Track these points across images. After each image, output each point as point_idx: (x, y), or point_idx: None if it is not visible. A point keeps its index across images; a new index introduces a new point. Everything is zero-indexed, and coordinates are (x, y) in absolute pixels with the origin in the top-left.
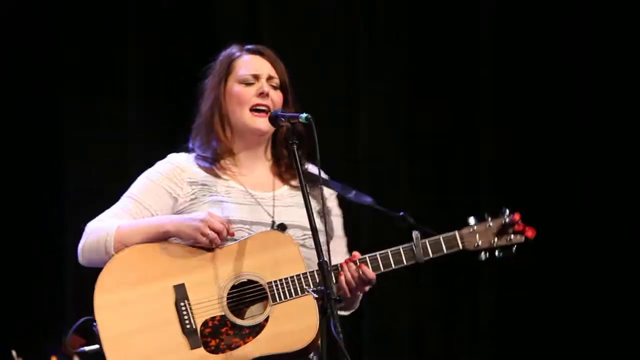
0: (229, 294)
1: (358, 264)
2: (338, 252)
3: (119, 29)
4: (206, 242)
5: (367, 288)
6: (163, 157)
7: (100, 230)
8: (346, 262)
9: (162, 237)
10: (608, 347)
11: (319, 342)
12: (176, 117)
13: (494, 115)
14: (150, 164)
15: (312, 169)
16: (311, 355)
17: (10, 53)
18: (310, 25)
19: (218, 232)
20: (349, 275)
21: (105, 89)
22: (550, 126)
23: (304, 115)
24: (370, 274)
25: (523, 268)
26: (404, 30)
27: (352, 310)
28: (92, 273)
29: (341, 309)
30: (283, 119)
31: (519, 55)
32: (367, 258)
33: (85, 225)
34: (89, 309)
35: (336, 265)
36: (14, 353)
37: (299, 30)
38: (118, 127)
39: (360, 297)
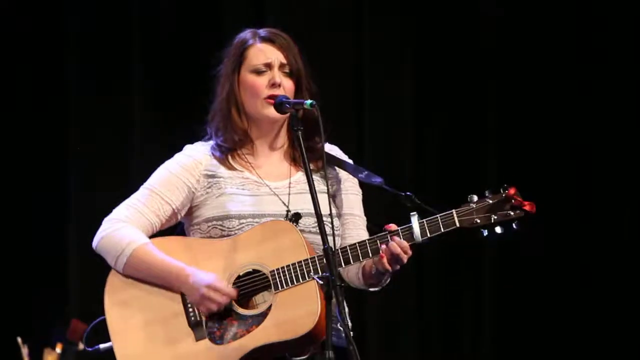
0: (233, 284)
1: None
2: (356, 231)
3: (121, 28)
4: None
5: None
6: (171, 151)
7: (121, 238)
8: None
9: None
10: (611, 343)
11: (325, 327)
12: (182, 115)
13: (501, 114)
14: (153, 161)
15: (328, 148)
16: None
17: (13, 53)
18: (316, 24)
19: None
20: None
21: (109, 89)
22: (555, 125)
23: (308, 101)
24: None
25: (527, 264)
26: (410, 29)
27: (382, 286)
28: (96, 263)
29: (371, 285)
30: (288, 106)
31: (524, 56)
32: (367, 241)
33: (100, 218)
34: (100, 309)
35: (354, 244)
36: (19, 340)
37: (305, 29)
38: (122, 126)
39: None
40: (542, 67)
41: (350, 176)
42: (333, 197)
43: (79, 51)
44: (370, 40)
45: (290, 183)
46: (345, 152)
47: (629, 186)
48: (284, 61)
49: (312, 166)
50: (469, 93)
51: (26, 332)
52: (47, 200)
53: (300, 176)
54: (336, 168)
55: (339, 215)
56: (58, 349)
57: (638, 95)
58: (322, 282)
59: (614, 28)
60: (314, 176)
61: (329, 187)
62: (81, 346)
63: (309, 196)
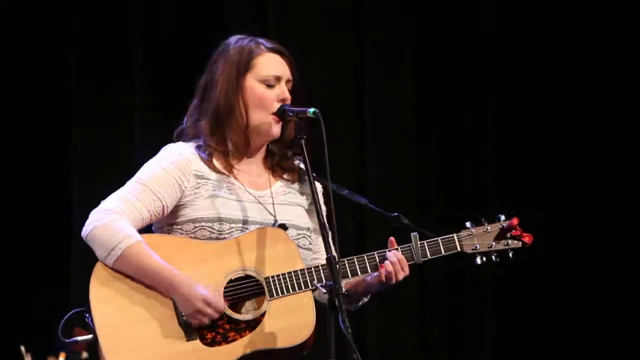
0: (225, 287)
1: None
2: (321, 246)
3: (121, 28)
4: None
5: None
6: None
7: (115, 233)
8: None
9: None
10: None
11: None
12: (182, 116)
13: (501, 114)
14: None
15: (302, 164)
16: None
17: (13, 53)
18: (316, 24)
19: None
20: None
21: (109, 89)
22: (555, 125)
23: (311, 109)
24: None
25: (529, 281)
26: (410, 29)
27: (359, 306)
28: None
29: (348, 304)
30: (291, 114)
31: (523, 56)
32: (365, 257)
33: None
34: (85, 300)
35: (352, 258)
36: (22, 349)
37: (305, 29)
38: (122, 126)
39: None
40: (542, 67)
41: (320, 193)
42: (307, 211)
43: (79, 51)
44: (370, 40)
45: (271, 193)
46: (345, 152)
47: (630, 186)
48: (290, 77)
49: (286, 176)
50: (469, 93)
51: (26, 332)
52: (47, 200)
53: (279, 187)
54: (310, 183)
55: (314, 230)
56: (61, 358)
57: (638, 95)
58: (325, 291)
59: (614, 28)
60: (288, 188)
61: (303, 202)
62: (85, 354)
63: (292, 208)
